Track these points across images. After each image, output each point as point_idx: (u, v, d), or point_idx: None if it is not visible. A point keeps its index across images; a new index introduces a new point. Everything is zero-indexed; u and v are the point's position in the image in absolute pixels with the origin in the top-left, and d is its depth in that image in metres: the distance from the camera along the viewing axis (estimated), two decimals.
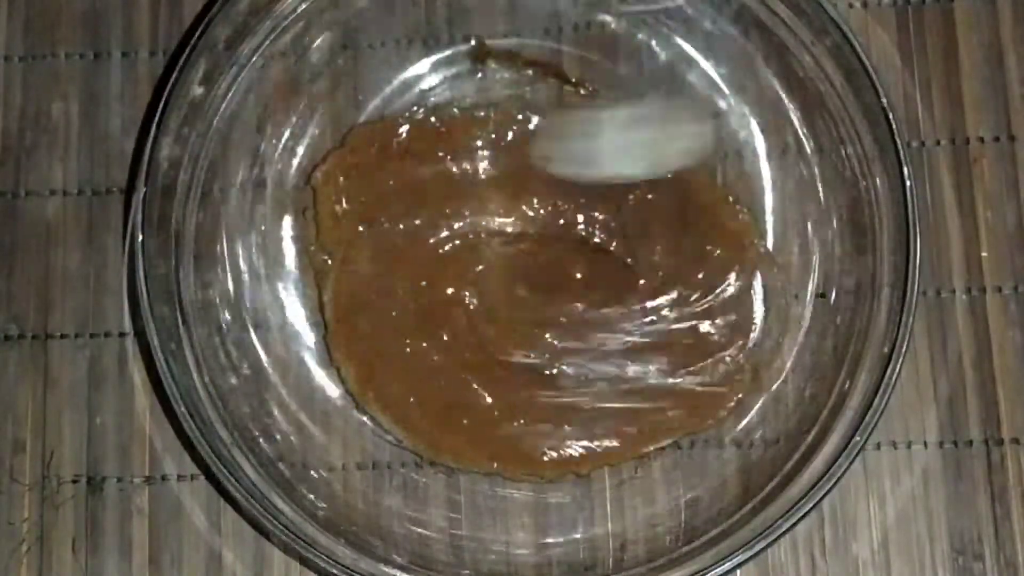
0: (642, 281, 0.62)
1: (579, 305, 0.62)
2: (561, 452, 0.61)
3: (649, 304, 0.62)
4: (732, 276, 0.62)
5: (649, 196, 0.62)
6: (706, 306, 0.62)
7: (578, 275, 0.62)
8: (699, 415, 0.61)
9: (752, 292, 0.62)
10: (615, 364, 0.62)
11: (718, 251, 0.62)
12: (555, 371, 0.61)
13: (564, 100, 0.63)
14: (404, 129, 0.63)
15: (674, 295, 0.62)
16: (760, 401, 0.62)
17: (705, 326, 0.62)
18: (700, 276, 0.62)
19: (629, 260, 0.62)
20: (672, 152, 0.62)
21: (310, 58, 0.64)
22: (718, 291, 0.62)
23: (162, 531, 0.61)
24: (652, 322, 0.62)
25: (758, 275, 0.62)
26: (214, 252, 0.62)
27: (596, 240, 0.62)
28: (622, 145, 0.62)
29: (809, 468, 0.58)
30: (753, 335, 0.62)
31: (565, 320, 0.62)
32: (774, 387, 0.61)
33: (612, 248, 0.62)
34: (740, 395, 0.61)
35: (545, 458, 0.61)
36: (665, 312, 0.62)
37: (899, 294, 0.58)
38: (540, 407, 0.61)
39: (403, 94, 0.64)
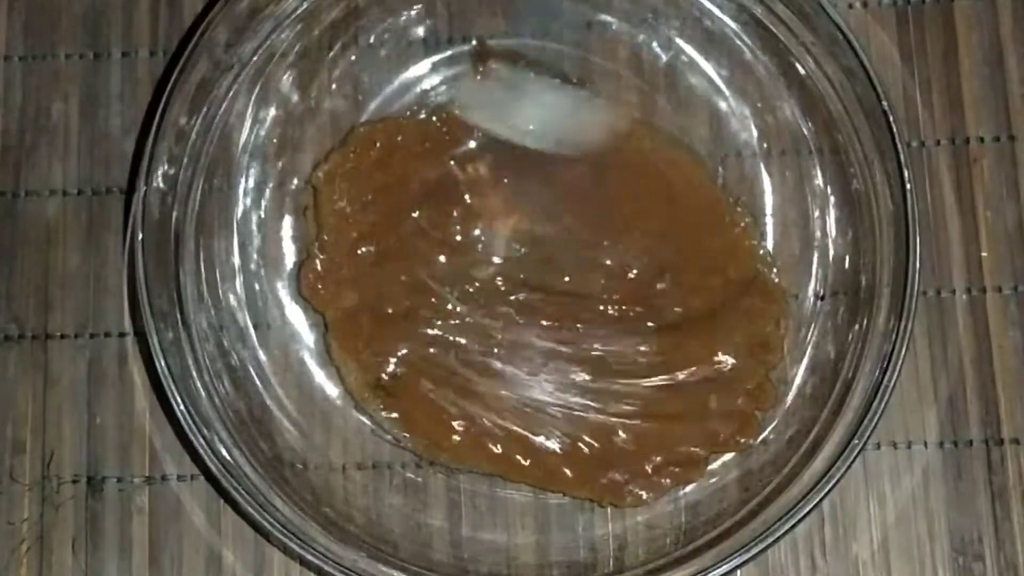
0: (660, 285, 0.62)
1: (586, 314, 0.62)
2: (572, 458, 0.61)
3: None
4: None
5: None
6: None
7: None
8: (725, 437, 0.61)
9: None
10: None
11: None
12: (556, 381, 0.61)
13: None
14: (405, 129, 0.63)
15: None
16: None
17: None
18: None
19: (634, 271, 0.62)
20: (583, 134, 0.62)
21: (310, 58, 0.64)
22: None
23: (162, 531, 0.61)
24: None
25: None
26: (214, 252, 0.62)
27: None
28: (538, 112, 0.62)
29: (809, 468, 0.58)
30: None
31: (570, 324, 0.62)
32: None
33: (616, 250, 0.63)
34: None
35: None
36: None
37: (899, 294, 0.58)
38: (546, 414, 0.61)
39: (404, 94, 0.64)
